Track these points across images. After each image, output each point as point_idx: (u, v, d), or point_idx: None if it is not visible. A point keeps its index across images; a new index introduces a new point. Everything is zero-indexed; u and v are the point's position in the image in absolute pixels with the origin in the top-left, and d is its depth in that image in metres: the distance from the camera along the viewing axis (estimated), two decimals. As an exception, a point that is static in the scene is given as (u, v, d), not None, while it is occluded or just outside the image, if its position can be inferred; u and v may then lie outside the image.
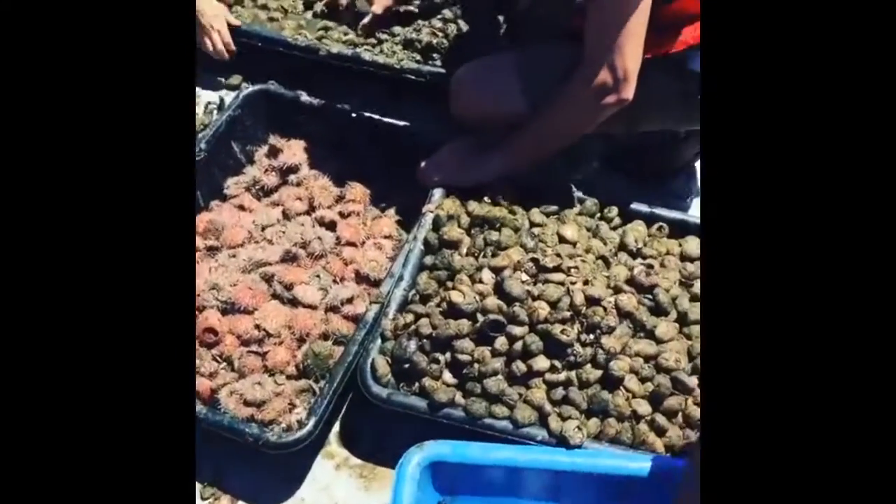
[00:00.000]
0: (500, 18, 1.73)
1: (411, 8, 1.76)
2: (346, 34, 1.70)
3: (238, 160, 1.49)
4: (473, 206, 1.27)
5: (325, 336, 1.17)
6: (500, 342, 1.06)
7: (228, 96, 1.70)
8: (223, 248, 1.30)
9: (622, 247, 1.23)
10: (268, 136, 1.51)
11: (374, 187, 1.43)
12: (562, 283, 1.09)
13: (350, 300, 1.20)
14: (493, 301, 1.08)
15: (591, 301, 1.07)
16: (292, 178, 1.42)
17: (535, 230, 1.21)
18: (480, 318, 1.08)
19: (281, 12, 1.77)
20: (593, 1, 1.10)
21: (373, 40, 1.68)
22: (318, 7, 1.77)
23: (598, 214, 1.31)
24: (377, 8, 1.68)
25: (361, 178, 1.44)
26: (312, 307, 1.20)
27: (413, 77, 1.61)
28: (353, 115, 1.50)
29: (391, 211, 1.42)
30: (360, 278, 1.26)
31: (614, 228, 1.30)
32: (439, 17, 1.70)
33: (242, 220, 1.35)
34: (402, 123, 1.53)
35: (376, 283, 1.24)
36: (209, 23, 1.60)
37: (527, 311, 1.06)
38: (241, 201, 1.42)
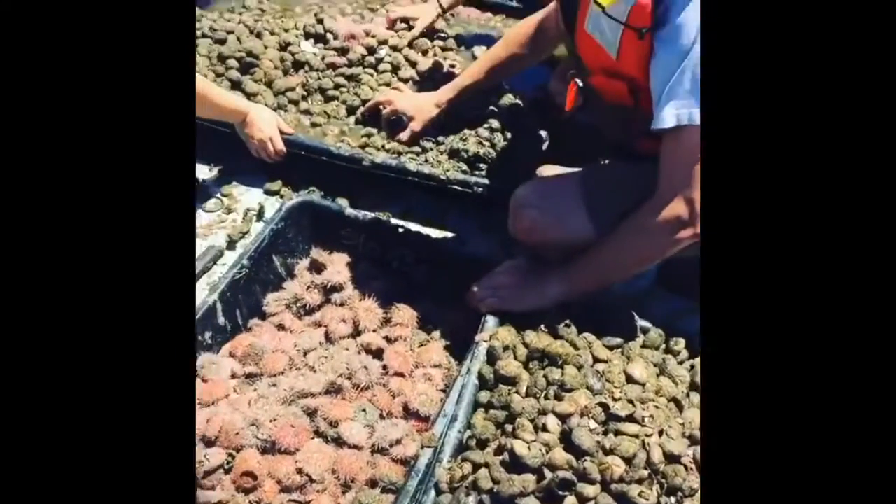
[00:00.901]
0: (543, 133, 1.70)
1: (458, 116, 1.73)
2: (389, 141, 1.67)
3: (279, 274, 1.43)
4: (531, 336, 1.19)
5: (372, 483, 1.07)
6: (570, 502, 0.96)
7: (268, 202, 1.67)
8: (263, 377, 1.22)
9: (693, 386, 1.14)
10: (310, 249, 1.46)
11: (420, 307, 1.36)
12: (636, 436, 0.99)
13: (399, 441, 1.11)
14: (560, 455, 0.99)
15: (670, 458, 0.98)
16: (336, 297, 1.35)
17: (600, 367, 1.13)
18: (547, 473, 0.98)
19: (324, 117, 1.75)
20: (671, 131, 1.05)
21: (417, 148, 1.65)
22: (361, 113, 1.75)
23: (664, 346, 1.23)
24: (416, 125, 1.64)
25: (407, 297, 1.37)
26: (358, 448, 1.11)
27: (460, 188, 1.57)
28: (400, 229, 1.45)
29: (438, 333, 1.34)
30: (409, 413, 1.17)
31: (681, 362, 1.21)
32: (486, 126, 1.66)
33: (283, 344, 1.28)
34: (448, 236, 1.48)
35: (426, 419, 1.16)
36: (263, 128, 1.57)
37: (598, 467, 0.97)
38: (282, 320, 1.35)
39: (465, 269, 1.40)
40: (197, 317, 1.23)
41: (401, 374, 1.22)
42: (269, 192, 1.69)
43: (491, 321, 1.22)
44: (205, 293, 1.29)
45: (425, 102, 1.63)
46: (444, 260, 1.45)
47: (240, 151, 1.65)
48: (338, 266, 1.39)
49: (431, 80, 1.79)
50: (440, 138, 1.66)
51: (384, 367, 1.23)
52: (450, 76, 1.77)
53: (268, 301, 1.38)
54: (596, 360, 1.15)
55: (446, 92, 1.61)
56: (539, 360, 1.16)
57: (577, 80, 1.27)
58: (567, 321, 1.20)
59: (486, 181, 1.57)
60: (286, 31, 1.91)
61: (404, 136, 1.64)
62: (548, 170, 1.70)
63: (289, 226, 1.44)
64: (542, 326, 1.20)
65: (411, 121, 1.64)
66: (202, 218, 1.63)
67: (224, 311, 1.29)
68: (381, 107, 1.69)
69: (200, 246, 1.56)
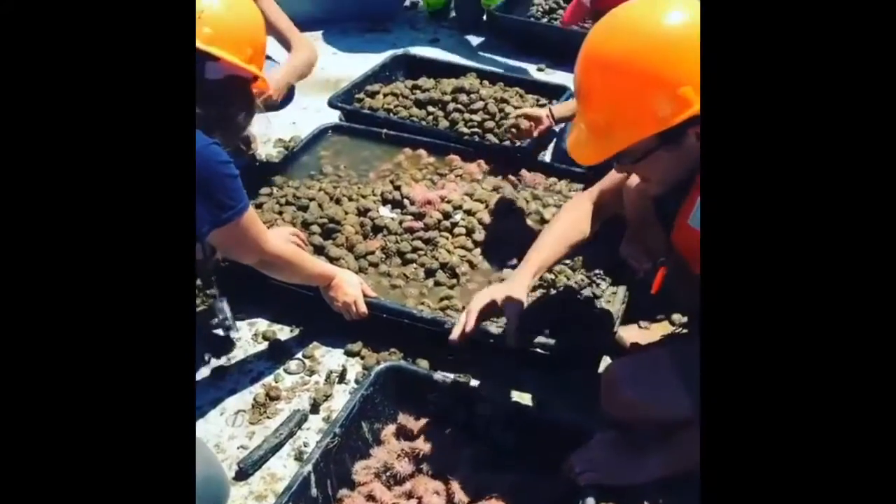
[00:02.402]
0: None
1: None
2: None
3: (366, 441, 1.43)
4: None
5: None
6: None
7: (350, 363, 1.70)
8: (358, 554, 1.19)
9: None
10: (396, 414, 1.46)
11: (512, 476, 1.33)
12: None
13: None
14: None
15: None
16: (426, 466, 1.33)
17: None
18: None
19: (403, 279, 1.81)
20: None
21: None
22: (440, 276, 1.81)
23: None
24: (514, 320, 1.56)
25: (498, 465, 1.35)
26: None
27: (541, 351, 1.58)
28: (485, 394, 1.45)
29: (532, 506, 1.31)
30: None
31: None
32: (564, 287, 1.70)
33: (376, 518, 1.25)
34: (529, 399, 1.47)
35: None
36: (348, 292, 1.63)
37: None
38: (371, 490, 1.32)
39: (550, 435, 1.38)
40: (291, 489, 1.22)
41: (501, 553, 1.17)
42: (350, 354, 1.72)
43: (591, 501, 1.20)
44: (295, 462, 1.29)
45: (516, 292, 1.49)
46: (530, 425, 1.43)
47: (322, 313, 1.70)
48: (426, 432, 1.39)
49: (505, 241, 1.86)
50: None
51: (482, 545, 1.19)
52: (522, 238, 1.83)
53: (356, 469, 1.37)
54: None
55: (525, 277, 1.52)
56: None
57: (666, 265, 1.31)
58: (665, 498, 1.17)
59: (564, 342, 1.58)
60: (364, 197, 2.03)
61: (512, 341, 1.50)
62: (628, 332, 1.72)
63: (377, 391, 1.46)
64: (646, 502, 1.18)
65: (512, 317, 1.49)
66: (285, 380, 1.65)
67: (317, 483, 1.28)
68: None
69: (284, 410, 1.58)
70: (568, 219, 1.58)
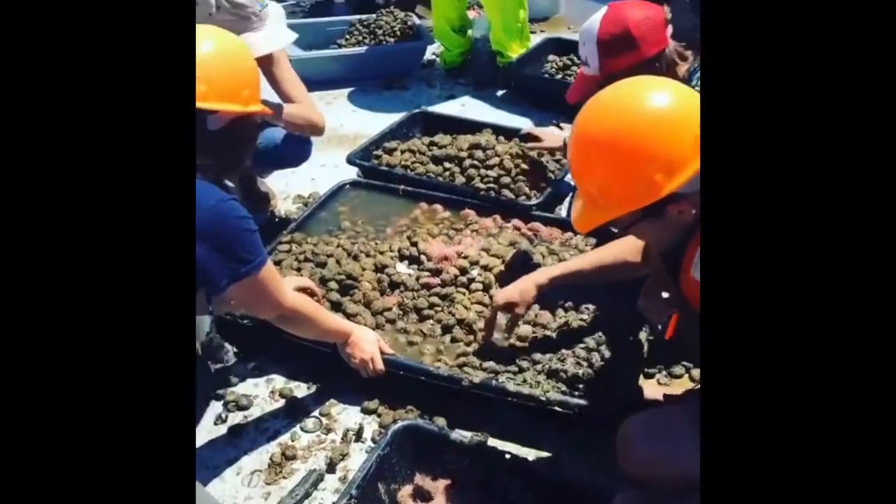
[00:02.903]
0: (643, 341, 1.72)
1: (549, 334, 1.77)
2: (486, 359, 1.71)
3: (383, 502, 1.41)
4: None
5: None
6: None
7: (366, 421, 1.68)
8: None
9: None
10: (412, 474, 1.44)
11: (531, 541, 1.31)
12: None
13: None
14: None
15: None
16: (444, 529, 1.31)
17: None
18: None
19: (420, 336, 1.81)
20: None
21: (514, 368, 1.67)
22: (457, 332, 1.80)
23: None
24: (521, 310, 1.68)
25: (516, 529, 1.32)
26: None
27: (560, 409, 1.56)
28: (507, 455, 1.43)
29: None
30: None
31: None
32: (582, 345, 1.69)
33: (393, 583, 1.22)
34: (548, 459, 1.45)
35: None
36: (365, 348, 1.63)
37: None
38: (388, 554, 1.30)
39: (569, 496, 1.36)
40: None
41: None
42: (366, 411, 1.71)
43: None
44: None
45: (527, 284, 1.68)
46: (548, 486, 1.41)
47: (339, 370, 1.70)
48: (443, 494, 1.37)
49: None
50: (536, 356, 1.69)
51: None
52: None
53: (373, 532, 1.35)
54: None
55: (548, 271, 1.68)
56: None
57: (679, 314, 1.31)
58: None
59: (585, 402, 1.56)
60: (381, 253, 2.05)
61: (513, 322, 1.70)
62: (647, 388, 1.70)
63: (393, 451, 1.44)
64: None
65: (516, 306, 1.68)
66: (302, 439, 1.64)
67: (332, 546, 1.26)
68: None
69: (300, 469, 1.56)
70: (617, 247, 1.65)
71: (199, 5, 1.82)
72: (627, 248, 1.62)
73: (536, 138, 2.45)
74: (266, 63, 1.96)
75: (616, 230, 1.33)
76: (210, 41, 1.36)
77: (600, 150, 1.17)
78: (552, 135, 2.47)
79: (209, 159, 1.34)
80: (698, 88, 1.76)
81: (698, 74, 1.77)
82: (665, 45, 1.77)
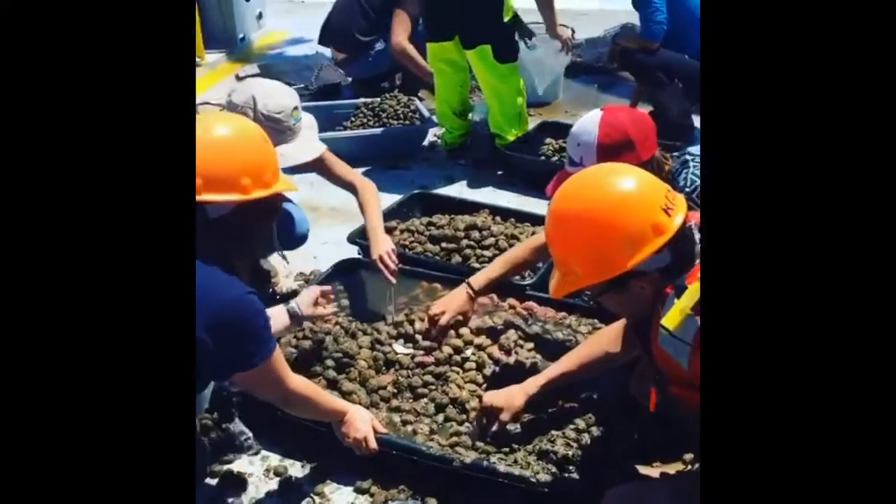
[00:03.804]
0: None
1: (540, 415, 1.80)
2: (477, 441, 1.73)
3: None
4: None
5: None
6: None
7: (359, 500, 1.70)
8: None
9: None
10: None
11: None
12: None
13: None
14: None
15: None
16: None
17: None
18: None
19: (414, 415, 1.84)
20: None
21: (506, 448, 1.70)
22: (451, 411, 1.83)
23: None
24: (505, 416, 1.71)
25: None
26: None
27: (548, 490, 1.58)
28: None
29: None
30: None
31: None
32: (572, 426, 1.72)
33: None
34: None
35: None
36: (359, 428, 1.65)
37: None
38: None
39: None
40: None
41: None
42: (359, 491, 1.72)
43: None
44: None
45: (515, 392, 1.72)
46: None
47: (333, 449, 1.72)
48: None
49: (515, 377, 1.89)
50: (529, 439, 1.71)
51: None
52: (532, 373, 1.87)
53: None
54: None
55: (535, 381, 1.72)
56: None
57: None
58: None
59: (576, 482, 1.58)
60: (378, 331, 2.09)
61: (494, 427, 1.71)
62: (647, 469, 1.71)
63: (384, 533, 1.45)
64: None
65: (500, 412, 1.71)
66: (294, 518, 1.65)
67: None
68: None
69: (293, 548, 1.57)
70: (595, 341, 1.75)
71: (241, 115, 1.94)
72: (605, 339, 1.71)
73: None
74: (316, 165, 2.22)
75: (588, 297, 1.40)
76: (211, 130, 1.39)
77: (571, 226, 1.31)
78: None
79: (216, 247, 1.40)
80: (684, 186, 1.86)
81: (682, 173, 1.87)
82: (655, 149, 1.88)
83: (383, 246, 2.20)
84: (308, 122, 2.15)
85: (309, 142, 2.12)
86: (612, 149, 1.78)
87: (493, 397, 1.74)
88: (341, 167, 2.36)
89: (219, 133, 1.40)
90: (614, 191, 1.29)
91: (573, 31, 5.10)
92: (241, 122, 1.51)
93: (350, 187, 2.36)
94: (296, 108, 2.04)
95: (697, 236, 1.33)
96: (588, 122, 1.85)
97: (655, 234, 1.24)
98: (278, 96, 2.02)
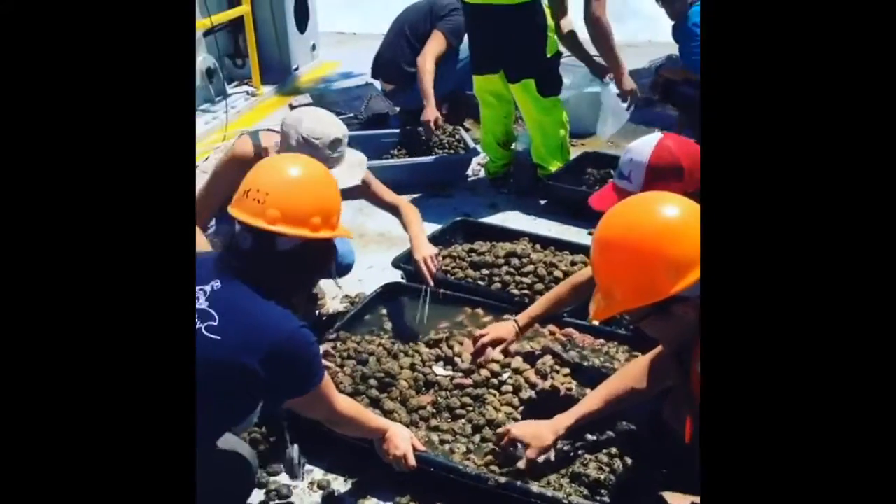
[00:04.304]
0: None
1: (575, 443, 1.85)
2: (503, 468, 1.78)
3: None
4: None
5: None
6: None
7: (396, 516, 1.77)
8: None
9: None
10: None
11: None
12: None
13: None
14: None
15: None
16: None
17: None
18: None
19: (451, 434, 1.91)
20: None
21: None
22: (487, 432, 1.89)
23: None
24: (532, 453, 1.74)
25: None
26: None
27: (581, 512, 1.62)
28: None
29: None
30: None
31: None
32: (605, 451, 1.76)
33: None
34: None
35: None
36: (399, 445, 1.73)
37: None
38: None
39: None
40: None
41: None
42: (396, 507, 1.80)
43: None
44: None
45: (543, 430, 1.74)
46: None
47: (374, 465, 1.80)
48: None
49: (550, 402, 1.95)
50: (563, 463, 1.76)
51: None
52: (567, 399, 1.93)
53: None
54: None
55: (564, 420, 1.74)
56: None
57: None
58: None
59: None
60: (419, 353, 2.18)
61: (521, 464, 1.75)
62: (677, 499, 1.74)
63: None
64: None
65: (528, 448, 1.74)
66: (335, 530, 1.73)
67: None
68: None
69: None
70: (622, 376, 1.77)
71: (285, 134, 2.08)
72: (632, 376, 1.75)
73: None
74: (362, 191, 2.40)
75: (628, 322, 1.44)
76: (292, 169, 1.56)
77: (616, 251, 1.37)
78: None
79: (279, 278, 1.53)
80: None
81: None
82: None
83: (426, 250, 2.36)
84: (357, 159, 2.24)
85: (349, 171, 2.18)
86: (661, 172, 1.82)
87: (522, 430, 1.76)
88: (385, 191, 2.51)
89: (300, 174, 1.57)
90: (660, 217, 1.34)
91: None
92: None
93: (393, 209, 2.50)
94: (338, 139, 2.11)
95: None
96: (645, 142, 1.89)
97: (697, 260, 1.24)
98: (323, 125, 2.11)
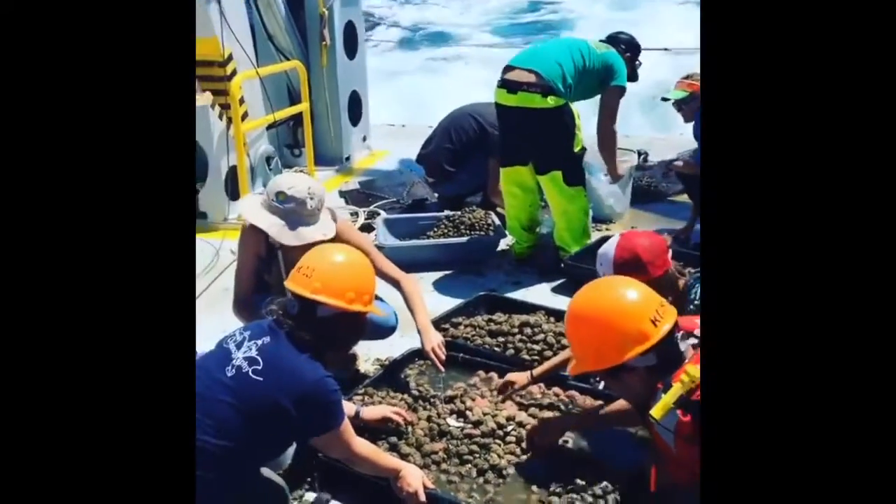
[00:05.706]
0: None
1: (564, 485, 2.08)
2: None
3: None
4: None
5: None
6: None
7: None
8: None
9: None
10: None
11: None
12: None
13: None
14: None
15: None
16: None
17: None
18: None
19: (458, 477, 2.17)
20: None
21: (532, 508, 1.99)
22: (490, 475, 2.15)
23: None
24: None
25: None
26: None
27: (565, 544, 1.85)
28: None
29: None
30: None
31: None
32: (590, 493, 2.00)
33: None
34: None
35: None
36: (411, 483, 1.99)
37: None
38: None
39: None
40: None
41: None
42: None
43: None
44: None
45: (549, 432, 2.19)
46: None
47: (389, 501, 2.06)
48: None
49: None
50: (553, 499, 2.00)
51: None
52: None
53: None
54: None
55: (567, 423, 2.30)
56: None
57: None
58: None
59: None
60: (435, 407, 2.47)
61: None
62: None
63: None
64: None
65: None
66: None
67: None
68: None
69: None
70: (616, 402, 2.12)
71: (265, 197, 2.51)
72: (621, 403, 2.06)
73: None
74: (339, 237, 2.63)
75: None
76: (337, 254, 1.99)
77: (580, 322, 1.71)
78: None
79: (315, 338, 1.89)
80: (693, 298, 2.18)
81: (695, 288, 2.20)
82: (668, 266, 2.22)
83: (434, 340, 2.61)
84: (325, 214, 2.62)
85: (315, 231, 2.53)
86: (625, 268, 2.13)
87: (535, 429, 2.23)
88: (387, 265, 2.75)
89: (342, 258, 1.99)
90: (612, 299, 1.68)
91: (646, 155, 5.55)
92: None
93: (394, 282, 2.76)
94: (302, 200, 2.49)
95: (690, 341, 1.64)
96: (610, 244, 2.24)
97: (641, 338, 1.59)
98: (294, 189, 2.49)
